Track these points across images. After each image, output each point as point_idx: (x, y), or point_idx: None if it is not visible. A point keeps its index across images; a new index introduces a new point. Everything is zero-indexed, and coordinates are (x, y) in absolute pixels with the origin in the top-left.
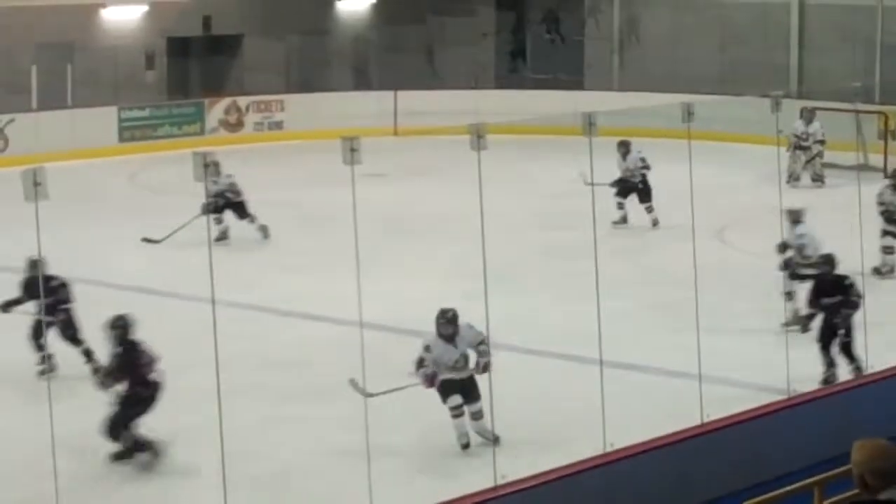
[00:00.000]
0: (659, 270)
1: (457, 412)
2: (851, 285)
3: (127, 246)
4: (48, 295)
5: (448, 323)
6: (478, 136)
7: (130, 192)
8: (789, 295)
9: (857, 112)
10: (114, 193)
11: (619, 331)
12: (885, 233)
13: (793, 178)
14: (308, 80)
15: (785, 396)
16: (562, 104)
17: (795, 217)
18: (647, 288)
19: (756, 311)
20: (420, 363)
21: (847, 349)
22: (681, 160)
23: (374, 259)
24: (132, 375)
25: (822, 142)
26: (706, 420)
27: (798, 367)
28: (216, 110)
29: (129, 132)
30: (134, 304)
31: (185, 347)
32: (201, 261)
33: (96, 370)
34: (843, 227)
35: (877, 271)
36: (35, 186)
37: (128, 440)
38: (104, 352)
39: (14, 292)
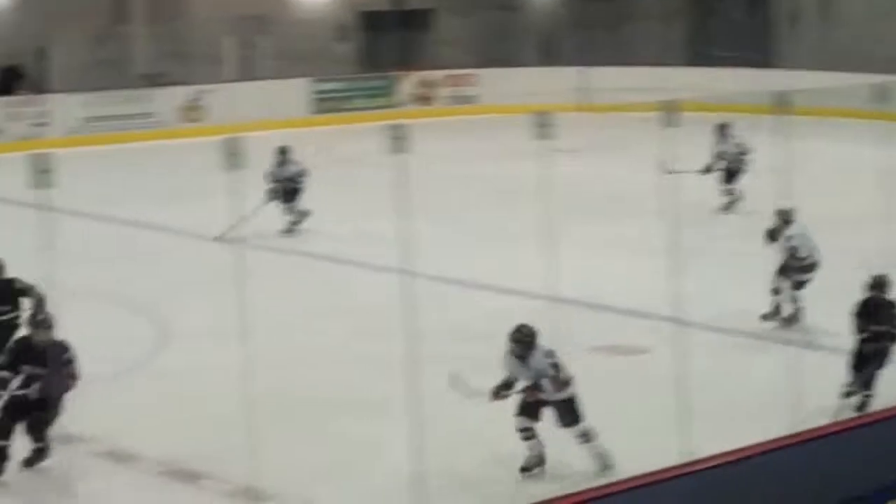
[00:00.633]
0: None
1: (524, 434)
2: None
3: (320, 214)
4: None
5: (519, 343)
6: (670, 112)
7: (321, 163)
8: (776, 291)
9: None
10: (305, 164)
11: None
12: None
13: None
14: (498, 55)
15: None
16: (751, 82)
17: (786, 217)
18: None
19: None
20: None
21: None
22: (871, 142)
23: (563, 233)
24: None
25: None
26: None
27: None
28: (407, 84)
29: (322, 104)
30: (330, 272)
31: (379, 318)
32: (394, 232)
33: None
34: None
35: None
36: (232, 157)
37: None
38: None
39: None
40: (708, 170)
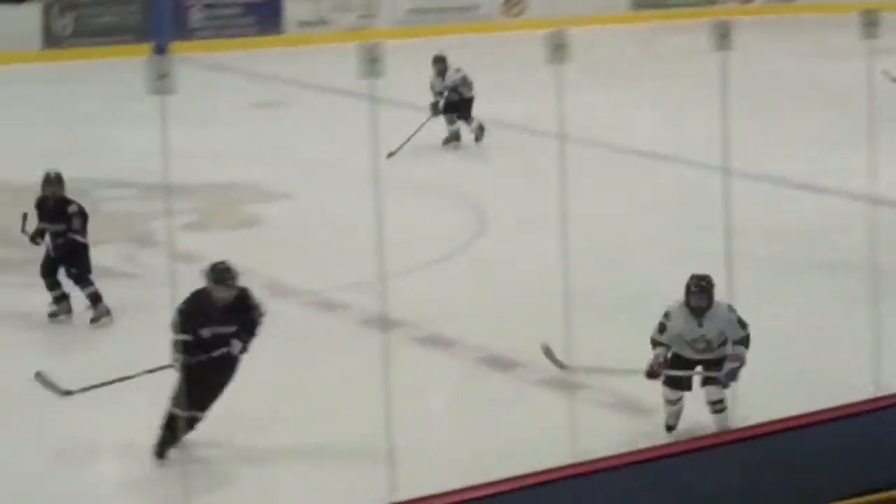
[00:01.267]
0: None
1: (671, 406)
2: None
3: (641, 111)
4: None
5: (700, 292)
6: None
7: (642, 58)
8: None
9: None
10: (627, 59)
11: None
12: None
13: None
14: None
15: None
16: None
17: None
18: None
19: None
20: (660, 329)
21: None
22: None
23: (885, 137)
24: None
25: None
26: None
27: None
28: None
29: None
30: (649, 169)
31: (693, 215)
32: (710, 127)
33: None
34: None
35: None
36: (557, 49)
37: None
38: None
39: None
40: None
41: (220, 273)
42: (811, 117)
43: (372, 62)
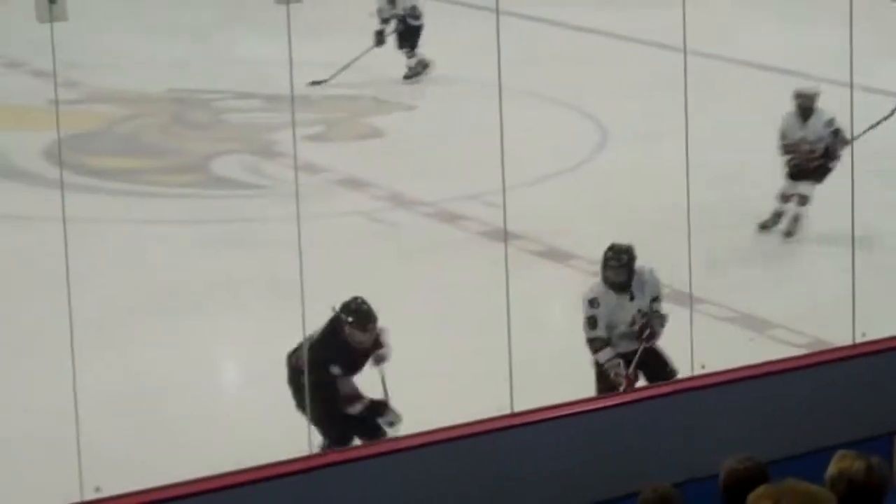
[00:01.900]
0: None
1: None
2: None
3: (766, 22)
4: None
5: (620, 267)
6: None
7: None
8: None
9: None
10: None
11: None
12: None
13: None
14: None
15: None
16: None
17: None
18: None
19: None
20: (592, 324)
21: None
22: None
23: None
24: None
25: None
26: None
27: None
28: None
29: None
30: (769, 81)
31: None
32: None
33: None
34: None
35: None
36: None
37: None
38: None
39: None
40: None
41: (363, 317)
42: None
43: None
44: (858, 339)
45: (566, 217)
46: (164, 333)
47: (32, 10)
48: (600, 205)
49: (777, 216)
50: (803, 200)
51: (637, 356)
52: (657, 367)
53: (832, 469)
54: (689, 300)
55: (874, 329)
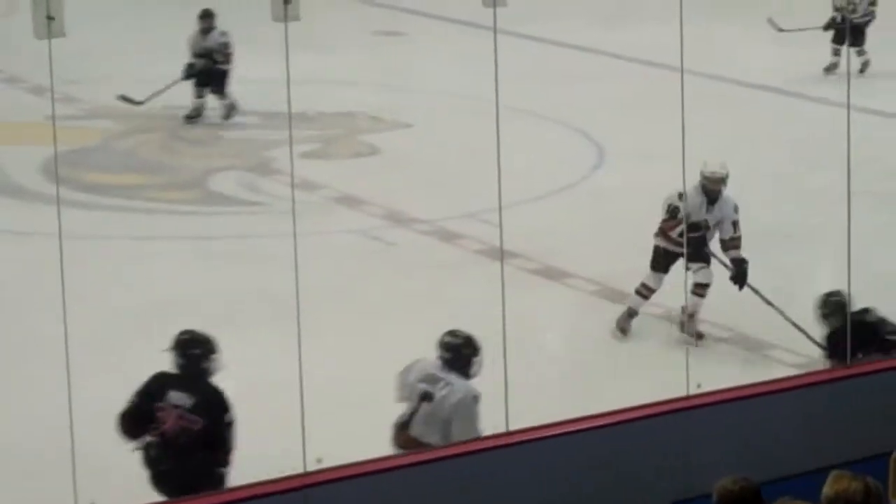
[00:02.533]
0: None
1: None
2: None
3: (758, 43)
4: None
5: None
6: None
7: None
8: None
9: None
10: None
11: None
12: None
13: None
14: None
15: None
16: None
17: None
18: None
19: None
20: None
21: None
22: None
23: None
24: None
25: None
26: None
27: None
28: None
29: None
30: (761, 103)
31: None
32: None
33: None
34: None
35: None
36: None
37: None
38: None
39: None
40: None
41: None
42: None
43: None
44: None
45: (563, 235)
46: (161, 349)
47: (31, 26)
48: (597, 223)
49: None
50: (702, 290)
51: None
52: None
53: (828, 490)
54: (685, 320)
55: None
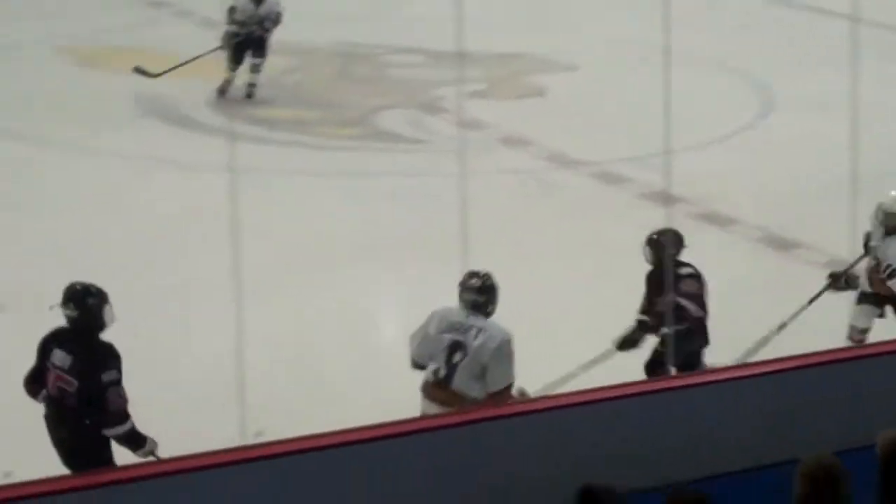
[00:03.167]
0: None
1: None
2: None
3: None
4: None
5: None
6: None
7: None
8: None
9: None
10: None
11: None
12: None
13: None
14: None
15: None
16: None
17: None
18: None
19: None
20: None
21: None
22: None
23: None
24: None
25: None
26: None
27: None
28: None
29: None
30: None
31: None
32: None
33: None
34: None
35: None
36: None
37: None
38: None
39: None
40: None
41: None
42: None
43: None
44: None
45: (729, 182)
46: (326, 284)
47: None
48: (764, 172)
49: None
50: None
51: None
52: None
53: None
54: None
55: None
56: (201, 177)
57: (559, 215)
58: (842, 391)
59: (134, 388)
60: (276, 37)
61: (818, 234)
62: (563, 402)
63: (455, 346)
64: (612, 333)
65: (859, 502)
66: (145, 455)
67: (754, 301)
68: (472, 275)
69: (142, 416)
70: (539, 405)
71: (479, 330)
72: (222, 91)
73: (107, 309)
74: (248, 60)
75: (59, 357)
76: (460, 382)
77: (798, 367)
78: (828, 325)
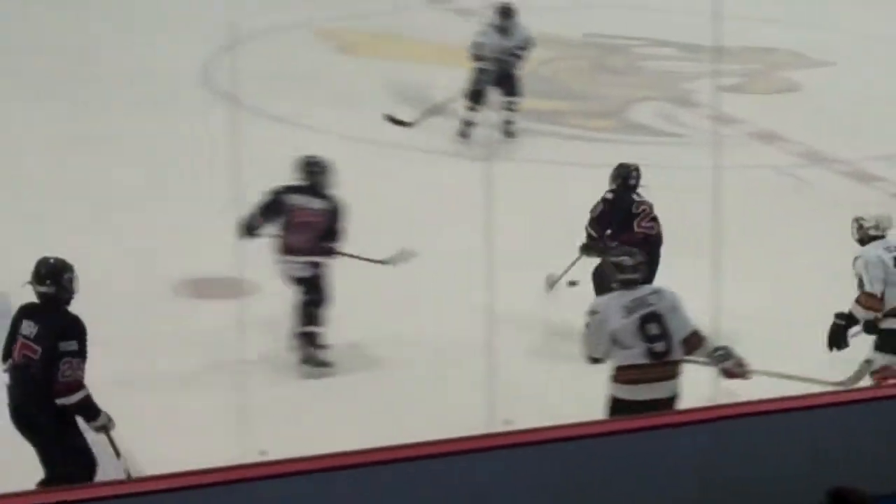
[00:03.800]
0: None
1: None
2: None
3: None
4: None
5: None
6: None
7: None
8: None
9: None
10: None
11: None
12: None
13: None
14: None
15: None
16: None
17: None
18: None
19: None
20: None
21: None
22: None
23: None
24: None
25: None
26: None
27: None
28: None
29: None
30: None
31: None
32: None
33: None
34: None
35: None
36: None
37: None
38: None
39: None
40: None
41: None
42: None
43: None
44: None
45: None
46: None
47: None
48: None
49: None
50: None
51: None
52: None
53: None
54: None
55: None
56: (458, 163)
57: (811, 212)
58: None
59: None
60: (532, 27)
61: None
62: (813, 402)
63: (650, 317)
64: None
65: None
66: (97, 429)
67: None
68: (620, 252)
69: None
70: (787, 404)
71: (653, 293)
72: (464, 134)
73: (75, 282)
74: (498, 98)
75: (27, 326)
76: (676, 347)
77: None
78: None
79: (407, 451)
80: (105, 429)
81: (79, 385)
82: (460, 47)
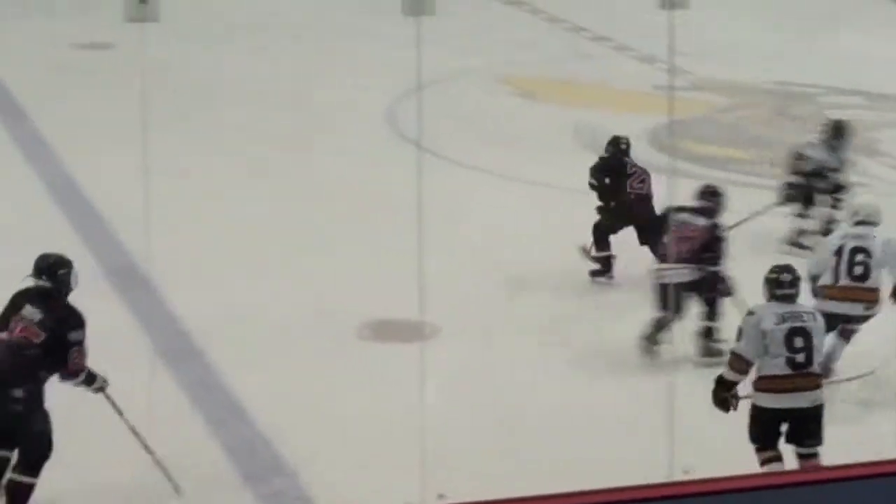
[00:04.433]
0: None
1: None
2: None
3: None
4: None
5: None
6: None
7: None
8: None
9: None
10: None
11: None
12: None
13: None
14: None
15: None
16: None
17: None
18: None
19: None
20: None
21: None
22: None
23: None
24: None
25: None
26: None
27: None
28: None
29: None
30: None
31: None
32: None
33: None
34: None
35: None
36: None
37: None
38: None
39: None
40: None
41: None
42: None
43: None
44: None
45: None
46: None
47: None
48: None
49: None
50: None
51: None
52: None
53: None
54: None
55: None
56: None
57: None
58: None
59: None
60: (716, 73)
61: None
62: None
63: (794, 332)
64: None
65: None
66: (96, 390)
67: None
68: (780, 272)
69: None
70: None
71: (807, 312)
72: (796, 243)
73: (74, 276)
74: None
75: (29, 311)
76: (817, 362)
77: None
78: None
79: (581, 499)
80: (102, 389)
81: (83, 368)
82: (645, 93)
